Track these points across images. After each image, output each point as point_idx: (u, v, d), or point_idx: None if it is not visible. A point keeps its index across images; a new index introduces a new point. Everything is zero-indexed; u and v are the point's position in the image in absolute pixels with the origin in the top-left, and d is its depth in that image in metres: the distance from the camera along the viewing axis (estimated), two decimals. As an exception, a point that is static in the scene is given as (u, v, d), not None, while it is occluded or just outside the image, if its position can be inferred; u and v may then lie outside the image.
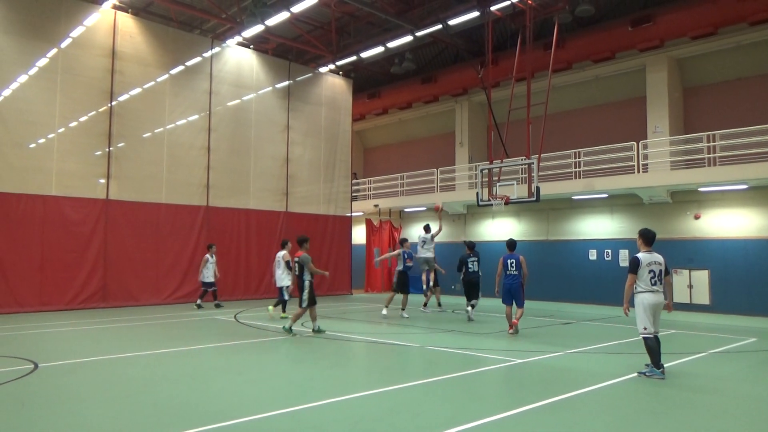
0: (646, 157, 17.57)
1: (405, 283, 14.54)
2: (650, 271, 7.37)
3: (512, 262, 11.00)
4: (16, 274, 14.55)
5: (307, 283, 10.80)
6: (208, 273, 15.72)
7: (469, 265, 13.87)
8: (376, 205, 24.46)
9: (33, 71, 15.18)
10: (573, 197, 19.18)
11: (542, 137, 15.33)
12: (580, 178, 18.75)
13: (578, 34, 19.48)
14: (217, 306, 15.97)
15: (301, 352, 9.48)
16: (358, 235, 25.17)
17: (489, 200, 15.65)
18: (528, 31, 15.73)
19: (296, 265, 11.10)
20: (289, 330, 10.80)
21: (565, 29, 19.04)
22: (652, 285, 7.36)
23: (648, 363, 7.43)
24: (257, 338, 10.70)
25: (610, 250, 18.66)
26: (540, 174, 15.49)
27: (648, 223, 17.93)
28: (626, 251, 18.17)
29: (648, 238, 7.62)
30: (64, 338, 10.58)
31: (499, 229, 21.68)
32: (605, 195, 18.45)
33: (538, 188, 14.65)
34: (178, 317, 13.94)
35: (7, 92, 14.73)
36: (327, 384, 6.99)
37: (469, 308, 13.71)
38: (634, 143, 17.62)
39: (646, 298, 7.36)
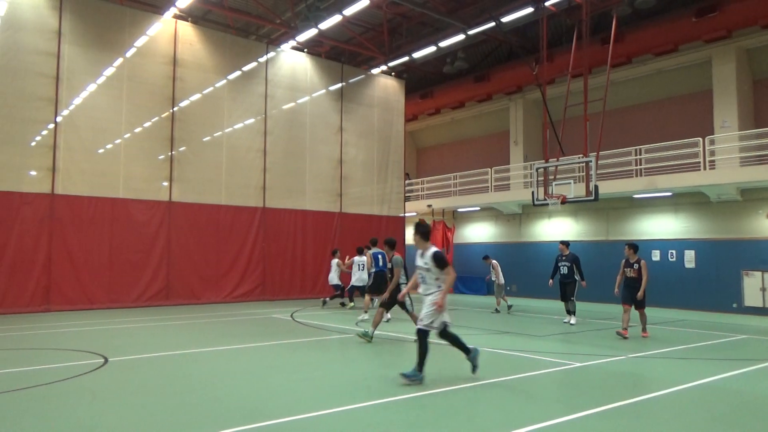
0: (713, 153, 16.76)
1: (381, 283, 12.85)
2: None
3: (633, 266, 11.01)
4: (88, 273, 15.34)
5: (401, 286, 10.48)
6: (335, 276, 16.76)
7: (561, 268, 13.07)
8: (429, 206, 24.39)
9: (101, 80, 15.98)
10: (634, 196, 18.51)
11: (600, 134, 14.88)
12: (641, 176, 18.08)
13: (638, 26, 18.78)
14: (342, 305, 16.58)
15: (356, 351, 9.55)
16: (412, 235, 25.13)
17: (545, 199, 15.34)
18: (585, 26, 15.33)
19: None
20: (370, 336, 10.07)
21: (624, 22, 18.39)
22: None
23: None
24: (313, 337, 10.86)
25: (674, 251, 17.90)
26: (598, 172, 15.07)
27: (716, 222, 17.14)
28: (692, 252, 17.41)
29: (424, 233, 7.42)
30: (131, 334, 11.07)
31: (555, 229, 21.18)
32: (669, 193, 17.72)
33: (596, 187, 14.25)
34: (237, 315, 14.33)
35: (78, 101, 15.56)
36: (381, 384, 7.00)
37: (571, 319, 13.07)
38: (700, 139, 16.84)
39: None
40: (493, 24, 17.86)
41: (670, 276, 17.66)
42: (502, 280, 15.95)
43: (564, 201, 14.99)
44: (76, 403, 5.90)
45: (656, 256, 18.25)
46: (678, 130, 18.71)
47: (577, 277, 12.89)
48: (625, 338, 10.61)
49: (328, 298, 16.77)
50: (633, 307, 10.98)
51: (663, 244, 18.18)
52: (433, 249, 7.16)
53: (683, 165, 17.15)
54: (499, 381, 7.12)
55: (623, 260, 11.18)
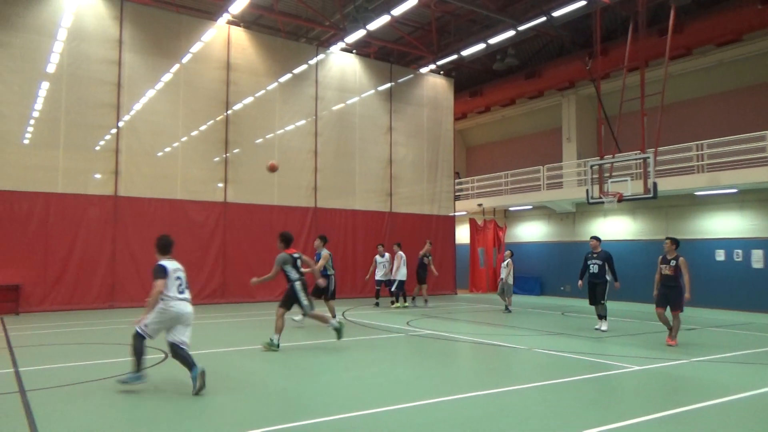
0: (781, 146, 15.87)
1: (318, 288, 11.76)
2: (177, 278, 6.76)
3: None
4: (149, 271, 15.87)
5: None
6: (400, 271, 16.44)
7: (591, 267, 11.81)
8: (479, 205, 24.14)
9: (159, 86, 16.60)
10: (696, 193, 17.75)
11: (659, 129, 14.34)
12: (703, 172, 17.31)
13: (698, 16, 17.97)
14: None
15: (407, 350, 9.57)
16: (462, 234, 24.95)
17: (600, 198, 14.92)
18: (641, 18, 14.80)
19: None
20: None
21: (683, 12, 17.65)
22: (179, 293, 6.72)
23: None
24: (364, 336, 10.94)
25: (740, 251, 17.07)
26: (657, 169, 14.53)
27: (785, 220, 16.23)
28: (760, 251, 16.55)
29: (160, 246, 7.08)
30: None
31: (611, 227, 20.56)
32: (734, 190, 16.89)
33: (655, 184, 13.76)
34: (289, 313, 14.55)
35: (138, 106, 16.22)
36: (433, 383, 6.99)
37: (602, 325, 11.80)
38: (767, 132, 15.97)
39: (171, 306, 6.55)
40: (544, 19, 17.48)
41: (736, 277, 16.83)
42: (511, 280, 15.59)
43: (620, 199, 14.53)
44: (139, 395, 6.16)
45: (720, 255, 17.44)
46: (742, 123, 17.80)
47: (608, 278, 11.59)
48: (672, 345, 9.73)
49: (395, 294, 16.44)
50: (668, 309, 9.89)
51: (727, 243, 17.35)
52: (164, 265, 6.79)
53: (749, 160, 16.31)
54: (554, 383, 6.97)
55: (660, 257, 10.08)
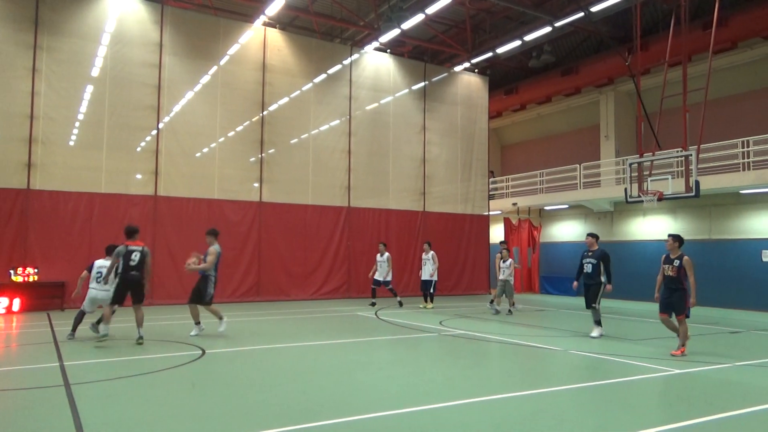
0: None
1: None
2: (98, 272, 9.57)
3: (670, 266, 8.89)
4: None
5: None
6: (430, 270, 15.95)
7: (585, 266, 10.77)
8: (514, 204, 23.85)
9: (198, 88, 16.95)
10: (741, 191, 17.14)
11: (702, 126, 13.90)
12: (749, 169, 16.70)
13: (744, 8, 17.36)
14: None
15: (440, 350, 9.53)
16: (497, 234, 24.71)
17: (639, 196, 14.55)
18: (683, 11, 14.38)
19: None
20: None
21: (728, 5, 17.06)
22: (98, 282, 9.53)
23: None
24: (396, 335, 10.95)
25: (788, 251, 16.41)
26: (700, 166, 14.08)
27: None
28: (809, 252, 15.87)
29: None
30: (227, 328, 11.64)
31: (651, 227, 20.04)
32: (782, 188, 16.25)
33: (697, 182, 13.34)
34: (323, 312, 14.72)
35: (177, 108, 16.61)
36: (466, 383, 6.94)
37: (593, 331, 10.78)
38: (819, 128, 15.32)
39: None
40: (581, 14, 17.15)
41: (783, 278, 16.19)
42: (512, 280, 15.12)
43: (661, 197, 14.13)
44: (177, 390, 6.32)
45: (766, 256, 16.80)
46: (792, 119, 17.12)
47: (603, 279, 10.51)
48: (683, 355, 8.74)
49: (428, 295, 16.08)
50: (672, 315, 8.88)
51: (775, 244, 16.71)
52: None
53: (798, 157, 15.67)
54: (592, 385, 6.84)
55: (663, 256, 9.08)
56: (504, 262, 15.15)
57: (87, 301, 9.70)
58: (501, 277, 14.94)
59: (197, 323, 10.27)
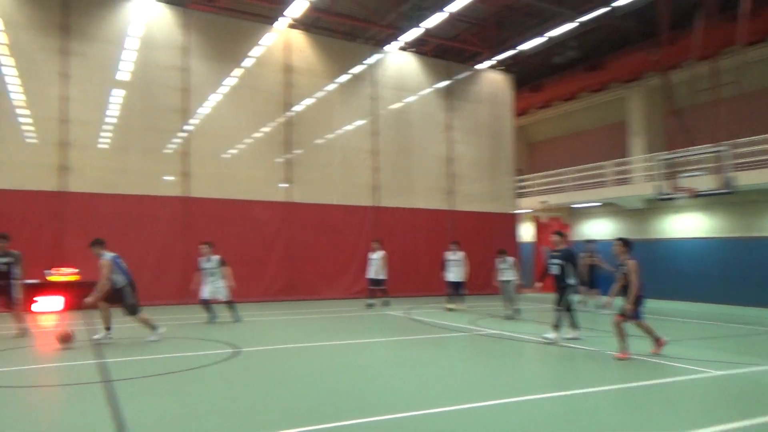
0: None
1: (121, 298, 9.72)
2: None
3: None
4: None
5: None
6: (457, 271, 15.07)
7: (550, 268, 9.95)
8: (543, 202, 23.59)
9: (223, 90, 17.16)
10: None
11: (736, 120, 13.57)
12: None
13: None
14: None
15: (472, 350, 9.47)
16: (525, 232, 24.47)
17: (671, 193, 14.28)
18: (713, 3, 14.05)
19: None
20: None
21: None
22: None
23: None
24: (428, 334, 10.91)
25: (828, 248, 15.92)
26: (734, 162, 13.75)
27: None
28: None
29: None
30: (259, 327, 11.79)
31: (685, 224, 19.59)
32: (820, 183, 15.76)
33: (731, 178, 13.02)
34: (354, 311, 14.76)
35: (205, 110, 16.83)
36: (498, 383, 6.89)
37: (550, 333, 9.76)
38: None
39: None
40: (606, 9, 16.88)
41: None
42: (515, 282, 13.77)
43: (694, 195, 13.85)
44: (213, 388, 6.39)
45: (805, 253, 16.35)
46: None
47: (571, 281, 9.72)
48: (623, 359, 8.16)
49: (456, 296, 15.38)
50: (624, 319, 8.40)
51: (813, 240, 16.23)
52: None
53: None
54: (630, 386, 6.71)
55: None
56: (503, 263, 13.76)
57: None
58: (501, 278, 13.74)
59: (107, 328, 9.45)
